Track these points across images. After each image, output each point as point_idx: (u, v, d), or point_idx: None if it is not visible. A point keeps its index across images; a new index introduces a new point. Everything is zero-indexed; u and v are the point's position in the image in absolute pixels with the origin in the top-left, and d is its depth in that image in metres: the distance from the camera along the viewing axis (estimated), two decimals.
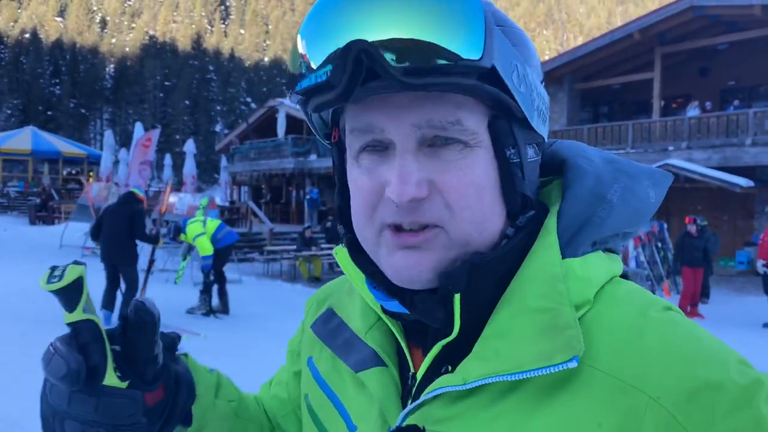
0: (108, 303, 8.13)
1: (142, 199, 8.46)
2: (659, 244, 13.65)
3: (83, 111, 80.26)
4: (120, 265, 8.13)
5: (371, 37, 0.51)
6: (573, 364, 0.52)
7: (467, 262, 0.58)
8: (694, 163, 15.40)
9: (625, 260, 13.32)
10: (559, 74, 19.62)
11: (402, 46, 0.51)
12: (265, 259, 16.11)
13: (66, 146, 37.31)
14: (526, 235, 0.62)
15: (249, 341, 7.73)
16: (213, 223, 9.46)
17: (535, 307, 0.56)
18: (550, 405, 0.53)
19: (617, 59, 19.36)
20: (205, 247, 9.08)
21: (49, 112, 75.37)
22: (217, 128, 79.01)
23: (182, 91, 77.29)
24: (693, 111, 17.29)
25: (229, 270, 10.33)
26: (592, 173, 0.63)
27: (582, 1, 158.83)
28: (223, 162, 32.20)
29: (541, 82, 0.64)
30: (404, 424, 0.61)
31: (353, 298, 0.73)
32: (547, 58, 25.18)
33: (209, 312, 9.24)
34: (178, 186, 30.09)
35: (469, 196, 0.57)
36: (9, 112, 71.52)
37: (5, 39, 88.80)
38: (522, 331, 0.56)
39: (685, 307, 10.42)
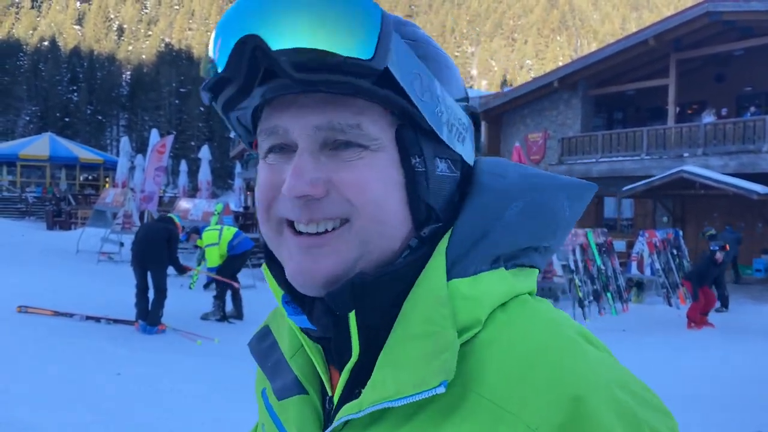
0: (142, 313, 8.13)
1: (178, 226, 8.64)
2: (674, 252, 13.52)
3: (100, 117, 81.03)
4: (152, 267, 8.20)
5: (266, 37, 0.52)
6: (440, 390, 0.50)
7: (348, 282, 0.57)
8: (710, 170, 15.26)
9: (640, 267, 13.21)
10: (573, 80, 19.54)
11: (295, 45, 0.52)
12: None
13: (83, 152, 37.70)
14: (426, 253, 0.59)
15: None
16: (229, 231, 9.58)
17: (418, 333, 0.54)
18: (443, 429, 0.52)
19: (632, 65, 19.25)
20: (212, 259, 9.23)
21: (67, 119, 76.17)
22: (232, 134, 79.40)
23: (197, 97, 77.72)
24: (708, 117, 17.13)
25: (244, 275, 10.38)
26: (494, 189, 0.61)
27: (596, 7, 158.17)
28: (238, 168, 32.45)
29: (461, 101, 0.63)
30: None
31: (284, 318, 0.70)
32: (560, 64, 25.08)
33: (223, 317, 9.29)
34: (193, 192, 30.31)
35: (370, 191, 0.56)
36: (27, 118, 72.43)
37: (24, 47, 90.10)
38: (406, 357, 0.54)
39: (696, 317, 10.28)
